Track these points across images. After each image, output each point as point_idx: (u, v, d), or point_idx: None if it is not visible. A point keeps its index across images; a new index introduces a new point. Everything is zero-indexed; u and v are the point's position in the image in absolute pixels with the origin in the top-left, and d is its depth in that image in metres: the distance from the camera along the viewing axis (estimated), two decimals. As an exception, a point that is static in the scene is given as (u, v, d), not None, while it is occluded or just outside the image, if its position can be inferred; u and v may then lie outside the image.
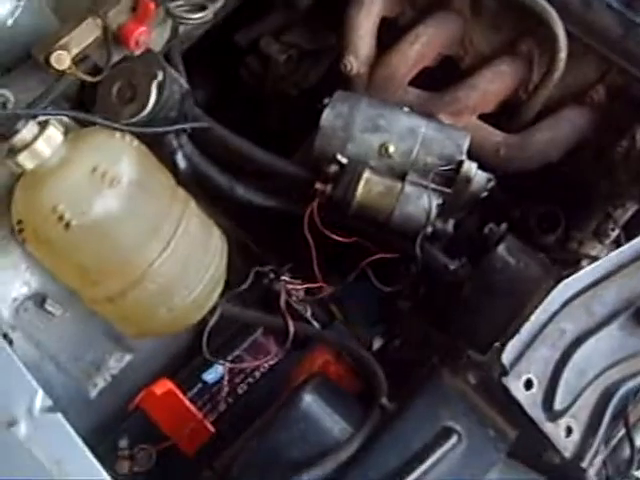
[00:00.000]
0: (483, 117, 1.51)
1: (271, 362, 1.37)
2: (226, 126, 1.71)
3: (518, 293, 1.31)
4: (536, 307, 1.05)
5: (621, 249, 1.13)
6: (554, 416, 1.03)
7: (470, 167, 1.35)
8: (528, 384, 1.03)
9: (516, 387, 1.02)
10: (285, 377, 1.35)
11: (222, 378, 1.34)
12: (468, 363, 1.06)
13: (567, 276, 1.31)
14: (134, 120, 1.24)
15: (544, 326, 1.04)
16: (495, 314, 1.31)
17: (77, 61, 1.13)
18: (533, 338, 1.03)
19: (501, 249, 1.34)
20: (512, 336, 1.02)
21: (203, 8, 1.33)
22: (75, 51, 1.11)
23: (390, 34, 1.56)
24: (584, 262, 1.47)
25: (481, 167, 1.42)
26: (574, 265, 1.46)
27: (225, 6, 1.47)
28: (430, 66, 1.55)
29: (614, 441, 1.29)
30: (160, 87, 1.25)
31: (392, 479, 1.02)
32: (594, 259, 1.48)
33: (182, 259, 1.19)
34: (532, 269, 1.33)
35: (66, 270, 1.17)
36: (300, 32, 1.67)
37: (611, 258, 1.12)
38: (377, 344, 1.36)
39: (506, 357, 1.01)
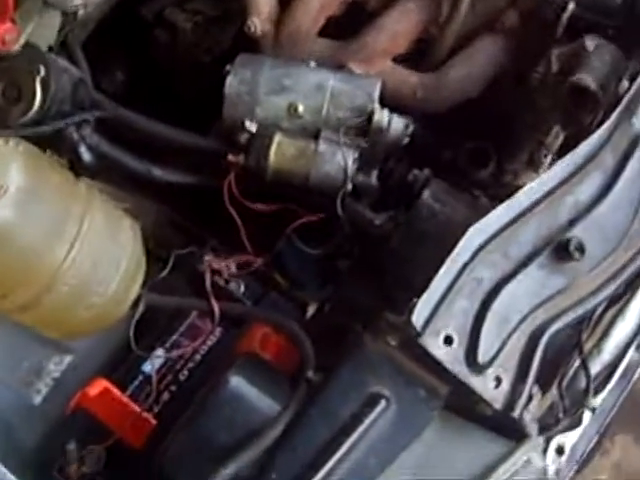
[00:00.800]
0: (397, 59, 1.45)
1: (209, 343, 1.34)
2: (145, 103, 1.69)
3: (446, 239, 1.27)
4: (444, 259, 1.01)
5: (530, 185, 1.09)
6: (480, 369, 1.00)
7: (382, 116, 1.30)
8: (447, 340, 0.99)
9: (435, 345, 0.99)
10: (225, 356, 1.32)
11: (161, 367, 1.31)
12: (387, 325, 1.03)
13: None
14: (22, 121, 1.19)
15: (457, 277, 1.01)
16: (426, 263, 1.28)
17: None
18: (447, 291, 1.00)
19: (425, 196, 1.30)
20: (421, 293, 0.98)
21: (83, -11, 1.27)
22: None
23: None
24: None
25: (400, 111, 1.38)
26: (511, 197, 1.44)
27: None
28: (337, 14, 1.49)
29: (570, 372, 1.28)
30: (44, 83, 1.20)
31: (322, 453, 0.99)
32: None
33: (91, 257, 1.16)
34: (459, 212, 1.29)
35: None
36: (205, -1, 1.61)
37: (520, 197, 1.07)
38: (312, 310, 1.33)
39: (417, 317, 0.97)
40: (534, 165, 1.46)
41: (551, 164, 1.45)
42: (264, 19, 1.46)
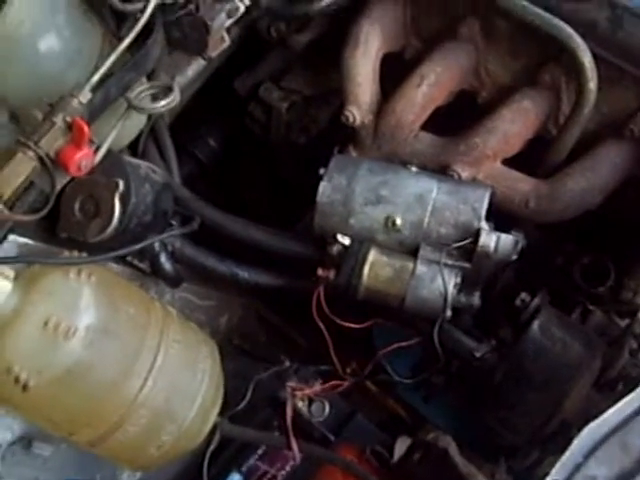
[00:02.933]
0: (508, 161, 1.31)
1: (288, 469, 1.25)
2: (237, 176, 1.61)
3: (557, 383, 1.14)
4: (556, 460, 0.88)
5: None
6: None
7: (489, 238, 1.17)
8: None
9: None
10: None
11: (238, 493, 1.23)
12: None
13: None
14: (100, 238, 1.12)
15: (570, 477, 0.88)
16: (531, 409, 1.15)
17: (14, 198, 1.00)
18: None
19: (534, 329, 1.17)
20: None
21: (169, 90, 1.18)
22: (8, 192, 0.98)
23: (398, 69, 1.38)
24: (641, 314, 1.28)
25: (509, 219, 1.26)
26: (631, 316, 1.29)
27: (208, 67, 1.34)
28: (444, 105, 1.36)
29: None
30: (124, 197, 1.12)
31: None
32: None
33: (164, 392, 1.08)
34: (571, 351, 1.16)
35: (39, 423, 1.07)
36: (300, 75, 1.50)
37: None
38: (401, 448, 1.21)
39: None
40: (657, 282, 1.31)
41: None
42: (363, 109, 1.34)
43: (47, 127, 1.00)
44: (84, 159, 1.01)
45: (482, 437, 1.24)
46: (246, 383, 1.22)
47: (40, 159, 1.00)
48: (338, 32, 1.40)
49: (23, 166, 0.99)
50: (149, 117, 1.31)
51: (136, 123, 1.29)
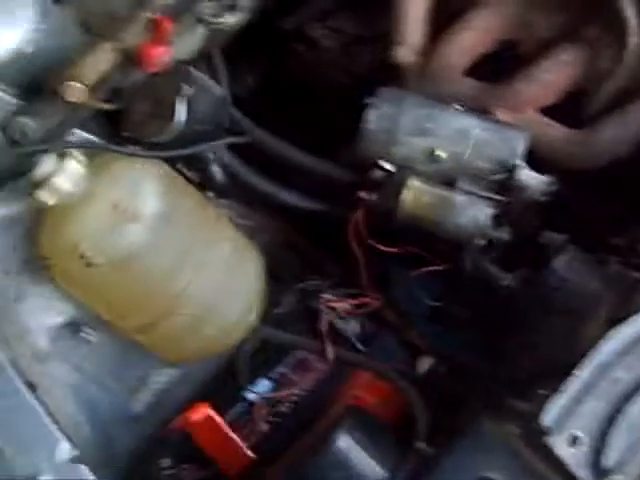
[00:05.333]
0: (545, 110, 1.38)
1: (316, 378, 1.31)
2: (275, 115, 1.66)
3: (576, 312, 1.21)
4: (583, 358, 0.95)
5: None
6: (604, 474, 0.94)
7: (525, 175, 1.24)
8: (575, 441, 0.94)
9: (561, 445, 0.94)
10: (330, 395, 1.30)
11: (265, 396, 1.30)
12: (511, 411, 0.99)
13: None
14: (162, 138, 1.18)
15: (594, 377, 0.95)
16: (552, 334, 1.23)
17: (94, 88, 1.06)
18: (581, 391, 0.94)
19: (558, 263, 1.24)
20: (554, 391, 0.93)
21: (233, 7, 1.24)
22: (90, 79, 1.04)
23: (445, 16, 1.44)
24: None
25: (541, 164, 1.32)
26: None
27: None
28: (487, 52, 1.42)
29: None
30: (188, 102, 1.18)
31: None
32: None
33: (213, 287, 1.14)
34: (592, 285, 1.23)
35: (94, 304, 1.14)
36: (349, 17, 1.56)
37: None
38: (424, 365, 1.29)
39: (547, 415, 0.93)
40: (677, 238, 1.38)
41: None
42: (412, 49, 1.41)
43: (131, 23, 1.06)
44: (162, 56, 1.07)
45: (503, 370, 1.30)
46: (283, 293, 1.28)
47: (121, 52, 1.06)
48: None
49: (106, 57, 1.05)
50: (206, 37, 1.37)
51: (195, 41, 1.35)
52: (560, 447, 0.93)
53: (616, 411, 0.95)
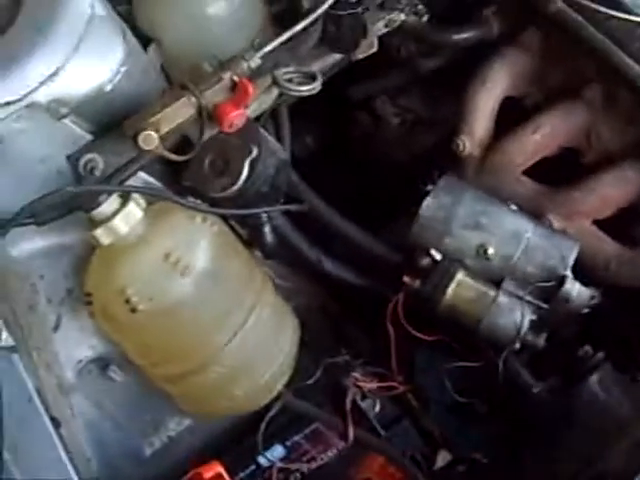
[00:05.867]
0: (598, 222, 1.38)
1: (330, 454, 1.31)
2: (329, 181, 1.68)
3: (602, 432, 1.21)
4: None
5: None
6: None
7: (572, 287, 1.24)
8: None
9: None
10: (342, 474, 1.29)
11: (277, 464, 1.29)
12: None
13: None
14: (222, 196, 1.19)
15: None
16: (572, 449, 1.21)
17: (167, 137, 1.08)
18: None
19: (593, 381, 1.23)
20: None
21: (313, 78, 1.26)
22: (165, 129, 1.06)
23: (513, 113, 1.46)
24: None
25: (587, 277, 1.32)
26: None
27: (342, 63, 1.41)
28: (549, 156, 1.43)
29: None
30: (253, 163, 1.20)
31: None
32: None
33: (248, 351, 1.15)
34: (623, 409, 1.22)
35: (129, 347, 1.14)
36: (418, 97, 1.58)
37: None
38: (442, 460, 1.27)
39: None
40: None
41: None
42: (475, 142, 1.42)
43: (214, 81, 1.08)
44: (238, 118, 1.08)
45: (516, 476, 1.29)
46: (311, 362, 1.28)
47: (199, 108, 1.07)
48: (463, 66, 1.48)
49: (184, 110, 1.07)
50: (278, 97, 1.38)
51: (267, 100, 1.37)
52: None
53: None
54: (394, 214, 1.48)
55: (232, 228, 1.30)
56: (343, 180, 1.70)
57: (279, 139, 1.41)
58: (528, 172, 1.43)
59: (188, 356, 1.12)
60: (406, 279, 1.29)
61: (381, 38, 1.48)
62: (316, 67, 1.37)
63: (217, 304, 1.11)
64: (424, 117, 1.58)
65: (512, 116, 1.45)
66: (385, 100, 1.59)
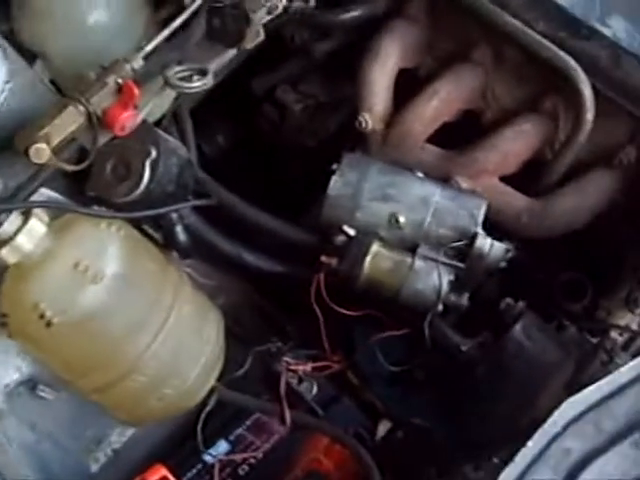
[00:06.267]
0: (505, 178, 1.42)
1: (273, 441, 1.31)
2: (244, 176, 1.69)
3: (533, 380, 1.23)
4: (536, 427, 0.96)
5: (637, 360, 1.04)
6: None
7: (484, 242, 1.27)
8: (527, 511, 0.95)
9: (513, 515, 0.94)
10: (288, 458, 1.30)
11: (222, 459, 1.29)
12: (464, 480, 0.99)
13: (586, 361, 1.24)
14: (127, 200, 1.19)
15: (546, 448, 0.96)
16: (508, 402, 1.24)
17: (59, 148, 1.07)
18: (533, 462, 0.95)
19: (517, 330, 1.26)
20: (506, 462, 0.94)
21: (204, 72, 1.26)
22: (56, 141, 1.06)
23: (410, 84, 1.48)
24: (613, 332, 1.38)
25: (501, 232, 1.35)
26: (602, 334, 1.38)
27: (237, 57, 1.41)
28: (450, 121, 1.46)
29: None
30: (154, 164, 1.20)
31: None
32: (624, 329, 1.39)
33: (173, 349, 1.15)
34: (549, 353, 1.25)
35: (52, 363, 1.13)
36: (317, 81, 1.60)
37: (623, 373, 1.03)
38: (383, 429, 1.29)
39: (500, 487, 0.93)
40: (630, 305, 1.41)
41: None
42: (376, 116, 1.44)
43: (99, 86, 1.08)
44: (129, 120, 1.08)
45: (458, 434, 1.31)
46: (244, 354, 1.29)
47: (88, 115, 1.07)
48: (357, 45, 1.50)
49: (73, 119, 1.07)
50: (176, 99, 1.39)
51: (164, 102, 1.37)
52: (513, 517, 0.94)
53: (568, 481, 0.96)
54: (311, 200, 1.50)
55: (145, 232, 1.30)
56: (258, 174, 1.72)
57: (184, 141, 1.42)
58: (432, 139, 1.46)
59: (112, 363, 1.11)
60: (324, 259, 1.30)
61: (275, 29, 1.51)
62: (210, 63, 1.38)
63: (133, 307, 1.11)
64: (325, 101, 1.59)
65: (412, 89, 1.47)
66: (286, 89, 1.61)
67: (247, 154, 1.72)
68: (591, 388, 0.99)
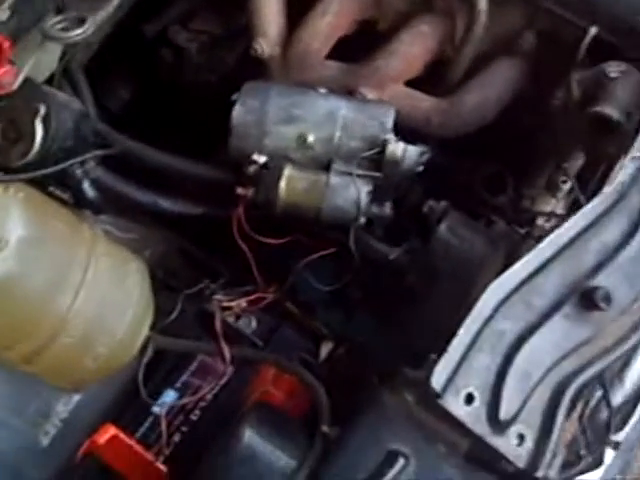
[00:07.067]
0: (411, 82, 1.40)
1: (221, 382, 1.30)
2: (152, 124, 1.64)
3: (464, 277, 1.23)
4: (465, 316, 0.96)
5: (556, 233, 1.04)
6: (502, 427, 0.95)
7: (396, 147, 1.25)
8: (469, 399, 0.95)
9: (456, 404, 0.94)
10: (238, 395, 1.29)
11: (172, 408, 1.27)
12: (405, 381, 0.99)
13: (514, 251, 1.25)
14: (23, 162, 1.15)
15: (479, 332, 0.96)
16: (442, 302, 1.24)
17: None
18: (468, 348, 0.95)
19: (442, 230, 1.26)
20: (440, 349, 0.94)
21: (82, 21, 1.22)
22: None
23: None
24: (539, 220, 1.39)
25: (414, 137, 1.33)
26: (530, 224, 1.39)
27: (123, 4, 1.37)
28: (348, 34, 1.43)
29: (592, 403, 1.23)
30: (45, 121, 1.15)
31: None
32: (549, 215, 1.40)
33: (96, 305, 1.12)
34: (477, 249, 1.25)
35: (-26, 338, 1.10)
36: (208, 17, 1.55)
37: (544, 248, 1.03)
38: (325, 350, 1.29)
39: (437, 378, 0.93)
40: (552, 190, 1.42)
41: (570, 190, 1.41)
42: (271, 41, 1.41)
43: (-32, 45, 1.03)
44: (5, 76, 1.04)
45: (399, 343, 1.31)
46: (174, 298, 1.27)
47: (-40, 77, 1.02)
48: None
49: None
50: (63, 54, 1.34)
51: (51, 59, 1.32)
52: (455, 407, 0.94)
53: (505, 363, 0.97)
54: (220, 138, 1.46)
55: (53, 194, 1.26)
56: (166, 121, 1.68)
57: (77, 94, 1.37)
58: (332, 56, 1.43)
59: (35, 329, 1.08)
60: (239, 191, 1.28)
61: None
62: (94, 14, 1.32)
63: (47, 269, 1.08)
64: (219, 35, 1.55)
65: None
66: (177, 29, 1.56)
67: (153, 103, 1.67)
68: (515, 267, 0.99)
